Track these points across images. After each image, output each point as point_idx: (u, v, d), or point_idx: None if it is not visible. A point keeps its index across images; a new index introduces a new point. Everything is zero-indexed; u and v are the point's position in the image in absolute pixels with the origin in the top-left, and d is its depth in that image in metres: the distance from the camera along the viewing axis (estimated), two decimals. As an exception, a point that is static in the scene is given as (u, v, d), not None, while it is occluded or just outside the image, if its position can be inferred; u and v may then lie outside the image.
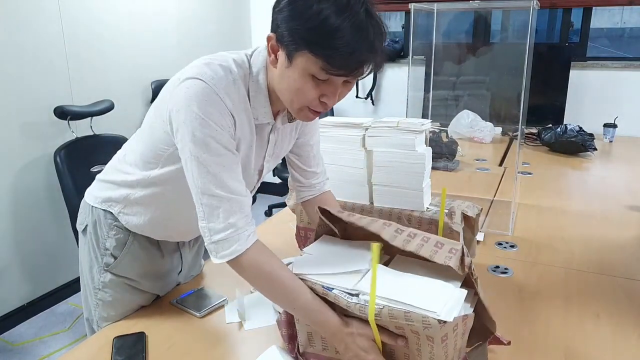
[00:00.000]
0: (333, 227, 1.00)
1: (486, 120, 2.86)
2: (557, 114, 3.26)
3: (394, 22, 5.50)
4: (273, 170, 1.08)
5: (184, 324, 1.12)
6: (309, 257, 0.95)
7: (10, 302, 2.59)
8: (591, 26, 3.47)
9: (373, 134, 1.39)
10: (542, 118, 3.15)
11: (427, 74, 2.55)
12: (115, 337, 1.05)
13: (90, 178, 1.22)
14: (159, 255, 1.20)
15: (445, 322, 0.74)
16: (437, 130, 2.48)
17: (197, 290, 1.24)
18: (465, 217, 1.23)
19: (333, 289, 0.86)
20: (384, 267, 0.90)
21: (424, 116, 2.13)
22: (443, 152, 2.38)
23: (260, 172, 1.13)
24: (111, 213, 1.13)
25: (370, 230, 0.88)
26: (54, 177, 2.38)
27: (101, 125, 2.81)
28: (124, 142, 1.18)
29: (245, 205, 0.93)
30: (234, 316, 1.13)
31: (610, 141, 3.00)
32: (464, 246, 0.84)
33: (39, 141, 2.62)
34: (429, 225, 1.26)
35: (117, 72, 3.05)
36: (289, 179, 1.33)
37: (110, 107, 2.78)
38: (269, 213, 4.03)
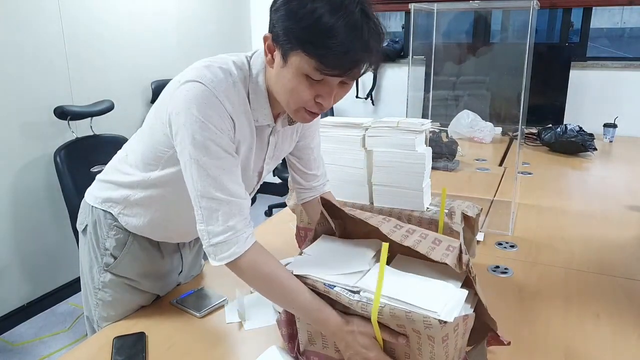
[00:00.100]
0: (332, 223, 1.00)
1: (486, 120, 2.86)
2: (557, 114, 3.26)
3: (394, 22, 5.51)
4: (273, 171, 1.08)
5: (184, 324, 1.12)
6: (308, 258, 0.95)
7: (10, 302, 2.59)
8: (591, 26, 3.47)
9: (373, 134, 1.39)
10: (542, 118, 3.15)
11: (427, 74, 2.55)
12: (115, 337, 1.05)
13: (90, 178, 1.22)
14: (159, 256, 1.20)
15: (445, 322, 0.74)
16: (437, 130, 2.49)
17: (197, 290, 1.24)
18: (465, 217, 1.23)
19: (335, 286, 0.86)
20: (386, 266, 0.90)
21: (424, 116, 2.13)
22: (443, 152, 2.38)
23: (260, 174, 1.13)
24: (111, 214, 1.13)
25: (370, 223, 0.88)
26: (54, 177, 2.38)
27: (101, 126, 2.81)
28: (124, 142, 1.18)
29: (244, 208, 0.94)
30: (234, 316, 1.13)
31: (610, 141, 3.00)
32: (462, 244, 0.84)
33: (39, 141, 2.62)
34: (429, 225, 1.26)
35: (117, 72, 3.05)
36: (289, 179, 1.33)
37: (110, 107, 2.78)
38: (269, 213, 4.03)
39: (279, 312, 1.00)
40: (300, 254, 0.97)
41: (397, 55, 3.91)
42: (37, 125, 2.60)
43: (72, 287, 2.84)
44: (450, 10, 2.50)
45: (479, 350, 0.89)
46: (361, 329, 0.84)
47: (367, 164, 1.42)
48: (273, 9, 0.86)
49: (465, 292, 0.82)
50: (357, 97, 4.01)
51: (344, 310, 0.87)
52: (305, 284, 0.89)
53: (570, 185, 2.27)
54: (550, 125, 2.91)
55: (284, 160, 1.24)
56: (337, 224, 1.01)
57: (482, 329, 0.89)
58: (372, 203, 1.43)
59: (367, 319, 0.82)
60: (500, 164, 2.52)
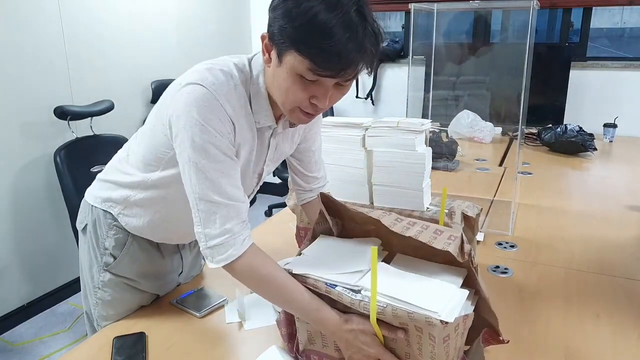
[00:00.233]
0: (330, 222, 0.99)
1: (486, 120, 2.86)
2: (557, 114, 3.26)
3: (394, 22, 5.51)
4: (273, 171, 1.08)
5: (184, 324, 1.12)
6: (308, 258, 0.95)
7: (10, 302, 2.59)
8: (591, 26, 3.47)
9: (373, 134, 1.39)
10: (542, 118, 3.15)
11: (427, 74, 2.55)
12: (115, 337, 1.05)
13: (90, 178, 1.22)
14: (159, 256, 1.20)
15: (447, 322, 0.74)
16: (437, 130, 2.49)
17: (197, 290, 1.24)
18: (465, 217, 1.23)
19: (336, 286, 0.86)
20: (386, 265, 0.90)
21: (424, 116, 2.13)
22: (443, 152, 2.38)
23: (260, 176, 1.13)
24: (111, 213, 1.13)
25: (371, 216, 0.88)
26: (54, 177, 2.38)
27: (101, 126, 2.81)
28: (124, 142, 1.18)
29: (242, 211, 0.94)
30: (234, 316, 1.13)
31: (610, 141, 3.00)
32: (463, 234, 0.84)
33: (39, 141, 2.62)
34: (429, 225, 1.26)
35: (117, 72, 3.05)
36: (289, 180, 1.33)
37: (110, 107, 2.78)
38: (269, 213, 4.03)
39: (279, 312, 1.00)
40: (299, 254, 0.97)
41: (397, 55, 3.91)
42: (37, 125, 2.60)
43: (72, 287, 2.84)
44: (450, 10, 2.50)
45: (476, 350, 0.89)
46: (360, 326, 0.84)
47: (367, 164, 1.42)
48: (271, 8, 0.86)
49: (466, 292, 0.82)
50: (357, 97, 4.01)
51: (344, 310, 0.87)
52: (306, 283, 0.89)
53: (570, 185, 2.27)
54: (550, 125, 2.91)
55: (284, 160, 1.24)
56: (336, 222, 1.01)
57: (479, 324, 0.89)
58: (372, 203, 1.43)
59: (366, 316, 0.82)
60: (500, 164, 2.52)
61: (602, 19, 8.76)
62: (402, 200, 1.37)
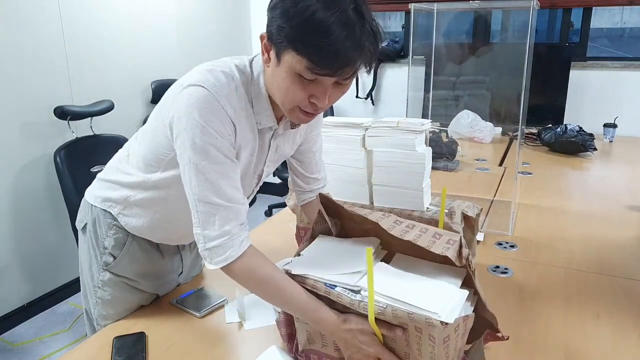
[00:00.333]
0: (329, 222, 0.99)
1: (486, 120, 2.86)
2: (557, 114, 3.26)
3: (394, 22, 5.51)
4: (273, 171, 1.08)
5: (184, 324, 1.12)
6: (307, 258, 0.95)
7: (10, 302, 2.59)
8: (591, 26, 3.47)
9: (373, 134, 1.39)
10: (542, 118, 3.15)
11: (427, 74, 2.55)
12: (115, 337, 1.06)
13: (90, 178, 1.22)
14: (159, 257, 1.20)
15: (447, 323, 0.74)
16: (437, 130, 2.49)
17: (197, 290, 1.24)
18: (465, 217, 1.23)
19: (336, 286, 0.86)
20: (386, 264, 0.90)
21: (424, 116, 2.13)
22: (443, 152, 2.38)
23: (260, 176, 1.13)
24: (110, 213, 1.13)
25: (370, 219, 0.88)
26: (54, 177, 2.38)
27: (101, 126, 2.81)
28: (124, 142, 1.18)
29: (241, 213, 0.94)
30: (234, 316, 1.13)
31: (610, 141, 3.00)
32: (462, 238, 0.84)
33: (39, 141, 2.62)
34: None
35: (117, 72, 3.05)
36: (289, 180, 1.33)
37: (110, 107, 2.78)
38: (269, 213, 4.03)
39: (279, 312, 1.00)
40: (298, 255, 0.97)
41: (397, 55, 3.91)
42: (37, 125, 2.60)
43: (72, 287, 2.84)
44: (450, 10, 2.50)
45: (477, 349, 0.89)
46: (359, 326, 0.84)
47: (367, 164, 1.42)
48: (270, 8, 0.86)
49: (465, 292, 0.82)
50: (357, 97, 4.01)
51: (343, 310, 0.87)
52: (305, 284, 0.89)
53: (570, 185, 2.27)
54: (550, 125, 2.91)
55: (284, 160, 1.24)
56: (335, 223, 1.01)
57: (480, 325, 0.89)
58: (372, 203, 1.43)
59: (365, 316, 0.82)
60: (500, 164, 2.52)
61: (602, 19, 8.76)
62: (402, 200, 1.37)
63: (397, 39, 3.96)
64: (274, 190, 4.18)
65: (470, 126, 2.85)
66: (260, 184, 1.17)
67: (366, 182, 1.43)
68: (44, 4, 2.57)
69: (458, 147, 2.49)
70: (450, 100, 3.26)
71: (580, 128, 2.76)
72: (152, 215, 1.10)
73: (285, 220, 1.68)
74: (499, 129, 2.98)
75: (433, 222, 1.25)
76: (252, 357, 0.97)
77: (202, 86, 0.89)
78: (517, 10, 3.12)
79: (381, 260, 0.93)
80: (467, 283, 0.86)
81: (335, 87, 0.89)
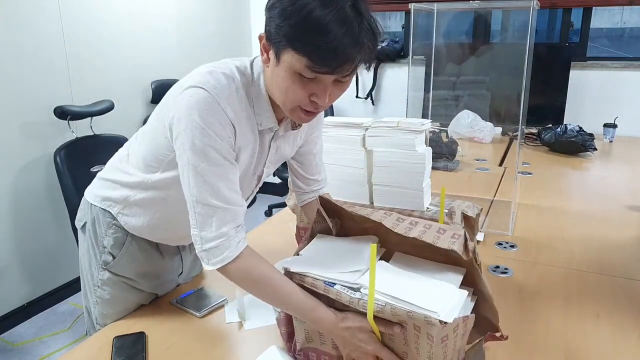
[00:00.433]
0: (329, 221, 1.00)
1: (486, 120, 2.87)
2: (557, 114, 3.26)
3: (394, 22, 5.51)
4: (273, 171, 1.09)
5: (184, 324, 1.12)
6: (305, 258, 0.95)
7: (10, 302, 2.59)
8: (591, 26, 3.47)
9: (373, 134, 1.39)
10: (542, 118, 3.15)
11: (427, 74, 2.55)
12: (115, 337, 1.06)
13: (90, 178, 1.22)
14: (159, 257, 1.20)
15: (446, 323, 0.74)
16: (437, 130, 2.49)
17: (197, 290, 1.24)
18: (465, 217, 1.23)
19: (335, 284, 0.86)
20: (385, 263, 0.90)
21: (424, 116, 2.13)
22: (443, 152, 2.38)
23: (260, 177, 1.13)
24: (110, 212, 1.13)
25: (372, 218, 0.88)
26: (54, 177, 2.38)
27: (101, 125, 2.81)
28: (124, 142, 1.18)
29: (239, 215, 0.94)
30: (234, 316, 1.13)
31: (610, 141, 3.00)
32: (466, 232, 0.84)
33: (39, 141, 2.62)
34: (429, 225, 1.25)
35: (117, 72, 3.05)
36: (289, 180, 1.33)
37: (110, 107, 2.78)
38: (269, 213, 4.03)
39: (279, 311, 1.00)
40: (296, 254, 0.97)
41: (397, 55, 3.91)
42: (37, 125, 2.60)
43: (72, 287, 2.84)
44: (450, 10, 2.50)
45: (477, 350, 0.89)
46: (357, 324, 0.84)
47: (367, 164, 1.42)
48: (267, 7, 0.86)
49: (465, 292, 0.82)
50: (357, 97, 4.01)
51: (342, 308, 0.87)
52: (304, 282, 0.89)
53: (570, 185, 2.27)
54: (550, 125, 2.91)
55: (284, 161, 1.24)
56: (334, 222, 1.01)
57: (482, 324, 0.89)
58: (372, 203, 1.43)
59: (363, 313, 0.83)
60: (500, 164, 2.52)
61: (602, 19, 8.76)
62: (402, 200, 1.37)
63: (397, 39, 3.96)
64: (274, 190, 4.18)
65: (470, 126, 2.85)
66: (260, 184, 1.17)
67: (366, 182, 1.43)
68: (44, 4, 2.57)
69: (458, 147, 2.49)
70: (450, 100, 3.26)
71: (580, 128, 2.76)
72: (151, 215, 1.10)
73: (285, 220, 1.68)
74: (499, 129, 2.98)
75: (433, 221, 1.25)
76: (252, 357, 0.97)
77: (203, 88, 0.89)
78: (517, 10, 3.12)
79: (380, 259, 0.93)
80: (467, 282, 0.86)
81: (335, 84, 0.89)
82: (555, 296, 1.22)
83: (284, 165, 1.28)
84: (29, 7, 2.51)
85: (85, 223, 1.17)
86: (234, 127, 0.93)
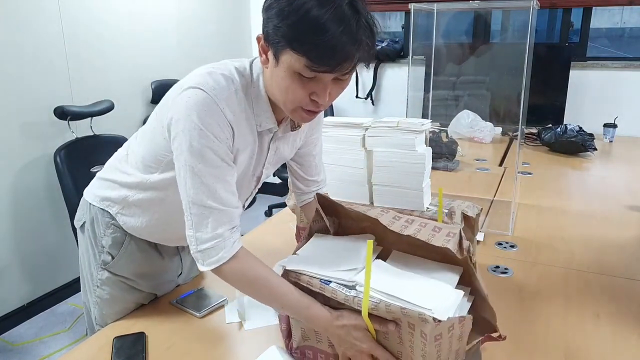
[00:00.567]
0: (326, 220, 1.00)
1: (486, 120, 2.87)
2: (557, 114, 3.26)
3: (394, 22, 5.51)
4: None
5: (184, 324, 1.12)
6: (302, 258, 0.95)
7: (10, 302, 2.59)
8: (591, 26, 3.47)
9: (373, 134, 1.39)
10: (542, 118, 3.15)
11: (427, 74, 2.55)
12: (115, 337, 1.06)
13: (90, 178, 1.22)
14: (158, 257, 1.20)
15: (440, 321, 0.74)
16: (437, 130, 2.49)
17: (197, 290, 1.24)
18: (465, 217, 1.23)
19: (331, 282, 0.86)
20: (382, 262, 0.90)
21: (424, 116, 2.13)
22: (443, 152, 2.38)
23: (259, 178, 1.13)
24: (109, 212, 1.13)
25: (368, 215, 0.88)
26: (54, 177, 2.38)
27: (101, 126, 2.81)
28: (124, 142, 1.18)
29: (234, 217, 0.94)
30: (234, 316, 1.13)
31: (610, 141, 3.00)
32: (462, 231, 0.84)
33: (39, 141, 2.62)
34: (429, 225, 1.25)
35: (117, 72, 3.05)
36: (289, 180, 1.33)
37: (110, 107, 2.78)
38: (269, 213, 4.03)
39: (279, 310, 1.00)
40: (294, 254, 0.97)
41: (397, 55, 3.91)
42: (37, 125, 2.60)
43: (72, 287, 2.84)
44: (450, 10, 2.50)
45: (474, 352, 0.89)
46: (352, 322, 0.84)
47: (367, 164, 1.42)
48: (265, 8, 0.86)
49: (461, 292, 0.82)
50: (357, 97, 4.01)
51: (338, 307, 0.87)
52: (300, 280, 0.90)
53: (570, 185, 2.27)
54: (550, 125, 2.91)
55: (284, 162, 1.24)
56: (332, 221, 1.01)
57: (481, 324, 0.89)
58: (372, 203, 1.43)
59: (358, 311, 0.83)
60: (500, 164, 2.52)
61: (602, 19, 8.76)
62: (402, 200, 1.38)
63: (397, 39, 3.96)
64: (274, 190, 4.18)
65: (470, 126, 2.85)
66: (259, 186, 1.17)
67: (366, 182, 1.43)
68: (44, 4, 2.57)
69: (458, 147, 2.49)
70: (450, 100, 3.26)
71: (580, 128, 2.76)
72: (150, 216, 1.10)
73: (285, 220, 1.68)
74: (499, 129, 2.98)
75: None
76: (252, 357, 0.97)
77: (202, 89, 0.89)
78: (517, 10, 3.12)
79: (377, 257, 0.93)
80: (465, 281, 0.86)
81: (335, 83, 0.89)
82: (555, 296, 1.22)
83: (284, 165, 1.28)
84: (29, 7, 2.51)
85: (84, 223, 1.17)
86: (232, 128, 0.93)
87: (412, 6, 1.77)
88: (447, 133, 2.72)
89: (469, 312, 0.84)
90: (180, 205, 0.95)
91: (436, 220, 1.17)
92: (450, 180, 2.20)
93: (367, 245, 0.81)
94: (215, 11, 3.86)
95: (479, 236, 1.52)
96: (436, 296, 0.79)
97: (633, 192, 2.05)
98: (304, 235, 1.02)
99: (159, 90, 3.18)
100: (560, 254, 1.46)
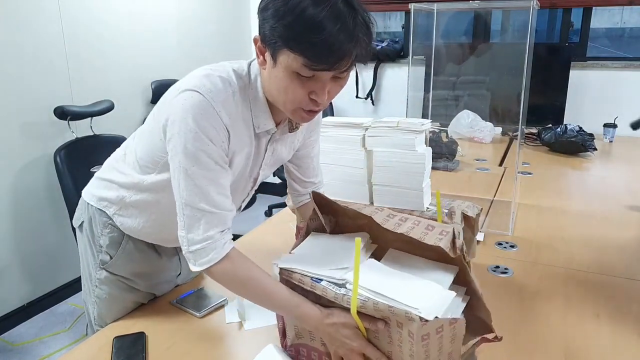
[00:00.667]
0: (322, 218, 0.99)
1: (486, 120, 2.87)
2: (557, 114, 3.26)
3: (394, 22, 5.51)
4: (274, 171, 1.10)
5: (184, 324, 1.12)
6: (297, 256, 0.95)
7: (10, 302, 2.59)
8: (591, 26, 3.47)
9: (373, 134, 1.39)
10: (542, 118, 3.15)
11: (427, 74, 2.55)
12: (115, 337, 1.06)
13: (90, 178, 1.22)
14: (156, 257, 1.20)
15: (426, 320, 0.74)
16: (437, 130, 2.49)
17: (197, 290, 1.24)
18: (465, 217, 1.23)
19: (321, 280, 0.86)
20: (374, 260, 0.90)
21: (424, 116, 2.13)
22: (443, 152, 2.38)
23: (255, 180, 1.13)
24: (106, 213, 1.13)
25: (363, 213, 0.88)
26: (54, 177, 2.38)
27: (101, 126, 2.81)
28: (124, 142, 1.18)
29: (227, 220, 0.95)
30: (234, 316, 1.13)
31: (610, 141, 3.00)
32: (455, 229, 0.84)
33: (39, 141, 2.62)
34: (429, 225, 1.25)
35: (117, 72, 3.05)
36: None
37: (110, 107, 2.78)
38: (269, 213, 4.03)
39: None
40: (290, 252, 0.97)
41: (397, 55, 3.91)
42: (37, 125, 2.60)
43: (72, 287, 2.84)
44: (450, 10, 2.50)
45: (469, 355, 0.88)
46: (342, 320, 0.84)
47: (367, 164, 1.42)
48: (260, 9, 0.86)
49: (453, 293, 0.81)
50: (357, 97, 4.01)
51: (329, 305, 0.87)
52: (292, 278, 0.90)
53: (570, 185, 2.27)
54: (550, 125, 2.91)
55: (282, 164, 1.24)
56: (329, 219, 1.01)
57: (476, 325, 0.88)
58: (372, 203, 1.43)
59: (348, 309, 0.83)
60: (500, 164, 2.52)
61: (602, 19, 8.76)
62: (402, 200, 1.37)
63: (397, 39, 3.96)
64: (274, 190, 4.19)
65: (470, 126, 2.85)
66: (256, 187, 1.16)
67: (366, 182, 1.43)
68: (44, 4, 2.57)
69: (458, 147, 2.49)
70: (450, 100, 3.26)
71: (580, 128, 2.76)
72: (147, 217, 1.10)
73: (285, 220, 1.68)
74: (499, 129, 2.98)
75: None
76: (252, 357, 0.97)
77: (198, 92, 0.89)
78: (517, 10, 3.12)
79: (373, 255, 0.93)
80: (460, 280, 0.86)
81: (334, 81, 0.89)
82: (555, 296, 1.22)
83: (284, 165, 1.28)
84: (29, 7, 2.51)
85: (82, 222, 1.17)
86: (228, 131, 0.93)
87: (412, 6, 1.77)
88: (447, 133, 2.72)
89: (464, 311, 0.84)
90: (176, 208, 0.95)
91: (436, 220, 1.17)
92: (450, 180, 2.20)
93: (355, 243, 0.81)
94: (215, 11, 3.86)
95: (479, 236, 1.52)
96: (425, 295, 0.78)
97: (633, 192, 2.05)
98: (301, 233, 1.02)
99: (159, 90, 3.18)
100: (560, 254, 1.46)
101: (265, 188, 4.29)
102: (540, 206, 1.87)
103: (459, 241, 0.82)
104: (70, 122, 2.61)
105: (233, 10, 4.06)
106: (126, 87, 3.12)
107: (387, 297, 0.78)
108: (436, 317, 0.75)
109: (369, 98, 4.00)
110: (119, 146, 1.18)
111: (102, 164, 1.20)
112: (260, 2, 0.86)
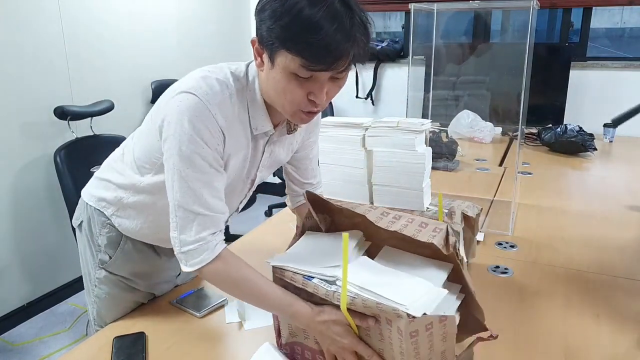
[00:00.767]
0: (316, 216, 0.99)
1: (486, 120, 2.87)
2: (557, 114, 3.26)
3: (394, 22, 5.51)
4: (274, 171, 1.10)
5: (184, 324, 1.12)
6: (290, 255, 0.95)
7: (10, 302, 2.59)
8: (591, 26, 3.47)
9: (373, 134, 1.39)
10: (542, 118, 3.15)
11: (427, 74, 2.55)
12: (115, 337, 1.06)
13: (90, 178, 1.22)
14: (155, 257, 1.20)
15: (414, 317, 0.73)
16: (437, 130, 2.48)
17: (197, 290, 1.24)
18: (465, 217, 1.23)
19: (313, 277, 0.87)
20: (366, 258, 0.90)
21: (424, 116, 2.13)
22: (443, 152, 2.38)
23: (253, 182, 1.13)
24: (104, 213, 1.13)
25: (357, 212, 0.88)
26: (54, 177, 2.38)
27: (101, 126, 2.81)
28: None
29: (220, 222, 0.95)
30: (234, 316, 1.13)
31: (610, 141, 3.00)
32: (449, 226, 0.84)
33: (39, 141, 2.62)
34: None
35: (117, 72, 3.05)
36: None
37: (110, 107, 2.78)
38: (269, 213, 4.03)
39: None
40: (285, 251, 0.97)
41: (397, 55, 3.91)
42: (37, 125, 2.60)
43: (72, 287, 2.84)
44: (450, 10, 2.50)
45: (466, 355, 0.88)
46: (333, 317, 0.84)
47: (367, 164, 1.42)
48: (257, 11, 0.86)
49: (445, 291, 0.80)
50: (357, 97, 4.02)
51: (320, 303, 0.87)
52: (284, 276, 0.90)
53: (570, 185, 2.27)
54: (550, 125, 2.91)
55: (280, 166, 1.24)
56: (324, 218, 1.01)
57: (473, 323, 0.88)
58: (372, 203, 1.43)
59: (339, 307, 0.83)
60: (500, 164, 2.52)
61: (602, 19, 8.76)
62: (402, 200, 1.38)
63: (397, 39, 3.96)
64: (274, 190, 4.18)
65: (470, 126, 2.85)
66: (253, 189, 1.16)
67: (366, 182, 1.43)
68: (44, 4, 2.57)
69: (458, 147, 2.49)
70: (450, 100, 3.26)
71: (580, 128, 2.76)
72: (144, 218, 1.10)
73: (285, 220, 1.68)
74: (499, 129, 2.98)
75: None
76: (251, 357, 0.97)
77: (194, 94, 0.89)
78: (517, 10, 3.13)
79: (367, 253, 0.93)
80: (455, 278, 0.86)
81: (332, 82, 0.88)
82: (555, 296, 1.22)
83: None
84: (29, 7, 2.51)
85: (81, 222, 1.18)
86: (223, 134, 0.93)
87: (412, 6, 1.77)
88: (447, 133, 2.72)
89: (461, 310, 0.84)
90: None
91: (436, 220, 1.17)
92: (450, 180, 2.20)
93: (348, 240, 0.81)
94: (215, 11, 3.86)
95: (479, 236, 1.52)
96: (413, 292, 0.78)
97: (633, 192, 2.05)
98: (297, 232, 1.02)
99: (159, 90, 3.17)
100: (560, 254, 1.46)
101: (265, 188, 4.29)
102: (540, 206, 1.87)
103: (452, 238, 0.82)
104: (70, 122, 2.62)
105: (233, 10, 4.06)
106: (126, 87, 3.12)
107: (375, 293, 0.78)
108: (424, 314, 0.74)
109: (369, 98, 4.00)
110: (119, 146, 1.18)
111: (101, 164, 1.21)
112: (257, 4, 0.86)
